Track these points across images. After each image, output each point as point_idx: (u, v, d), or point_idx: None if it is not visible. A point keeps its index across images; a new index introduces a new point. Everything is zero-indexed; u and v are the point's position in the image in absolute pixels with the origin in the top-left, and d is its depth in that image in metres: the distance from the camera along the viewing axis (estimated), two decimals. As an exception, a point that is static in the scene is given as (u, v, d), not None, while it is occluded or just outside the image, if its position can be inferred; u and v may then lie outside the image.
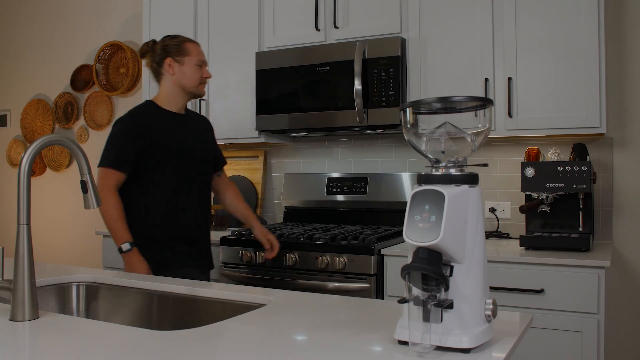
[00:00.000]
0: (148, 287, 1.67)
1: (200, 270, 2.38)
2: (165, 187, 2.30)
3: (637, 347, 2.64)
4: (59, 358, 1.02)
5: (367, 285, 2.42)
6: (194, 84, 2.36)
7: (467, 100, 1.11)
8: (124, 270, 2.22)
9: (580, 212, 2.49)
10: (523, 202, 2.64)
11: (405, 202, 2.32)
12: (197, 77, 2.36)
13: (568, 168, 2.34)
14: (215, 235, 2.96)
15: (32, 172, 3.98)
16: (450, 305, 1.00)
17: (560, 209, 2.54)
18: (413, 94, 2.73)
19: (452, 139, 1.08)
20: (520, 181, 2.43)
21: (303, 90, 2.94)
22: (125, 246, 2.19)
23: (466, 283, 1.02)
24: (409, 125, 1.12)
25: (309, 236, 2.63)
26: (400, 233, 2.71)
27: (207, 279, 2.44)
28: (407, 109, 1.11)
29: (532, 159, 2.56)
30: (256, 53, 3.08)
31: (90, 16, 4.29)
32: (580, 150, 2.55)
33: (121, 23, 4.13)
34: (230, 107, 3.24)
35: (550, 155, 2.54)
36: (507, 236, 2.82)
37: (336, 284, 2.48)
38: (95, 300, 1.74)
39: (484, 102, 1.11)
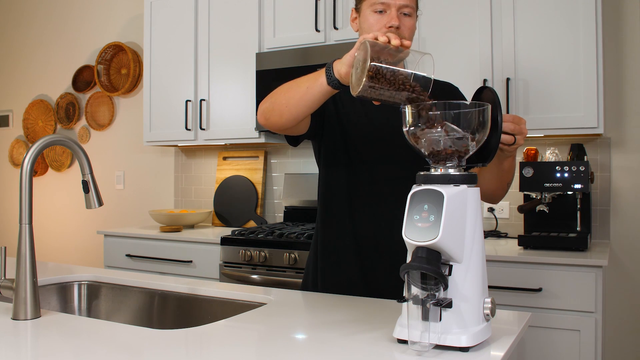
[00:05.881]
0: (149, 286, 1.68)
1: None
2: None
3: (634, 345, 2.65)
4: (60, 357, 1.03)
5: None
6: None
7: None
8: None
9: (578, 212, 2.50)
10: (521, 202, 2.65)
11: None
12: (374, 30, 1.48)
13: (566, 168, 2.35)
14: (216, 235, 2.97)
15: (34, 172, 3.94)
16: (449, 304, 1.01)
17: (558, 209, 2.55)
18: (412, 95, 2.74)
19: (451, 139, 1.09)
20: (518, 181, 2.45)
21: (303, 91, 2.94)
22: None
23: (465, 282, 1.03)
24: (408, 125, 1.13)
25: (309, 236, 2.63)
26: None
27: None
28: (406, 109, 1.12)
29: (530, 159, 2.57)
30: (256, 54, 3.09)
31: (92, 17, 4.30)
32: (578, 150, 2.56)
33: (122, 24, 4.14)
34: (230, 108, 3.25)
35: (549, 155, 2.55)
36: (506, 236, 2.83)
37: (336, 284, 2.48)
38: (96, 299, 1.75)
39: (483, 103, 1.11)
